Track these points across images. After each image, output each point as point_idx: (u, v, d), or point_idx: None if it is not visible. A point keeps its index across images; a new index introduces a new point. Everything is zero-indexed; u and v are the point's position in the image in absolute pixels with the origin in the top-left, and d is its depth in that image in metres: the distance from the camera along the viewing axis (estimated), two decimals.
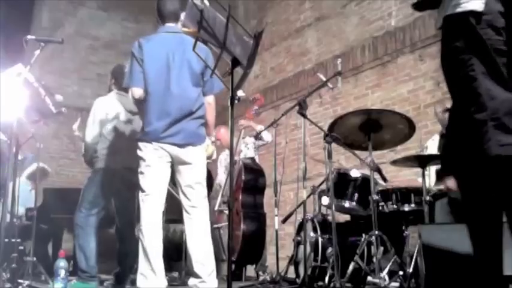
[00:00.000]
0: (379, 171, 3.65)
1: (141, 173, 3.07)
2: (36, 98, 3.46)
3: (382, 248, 3.50)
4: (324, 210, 4.19)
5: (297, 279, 3.95)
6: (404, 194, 3.71)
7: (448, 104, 1.89)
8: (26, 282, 3.45)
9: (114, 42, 8.72)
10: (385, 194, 3.73)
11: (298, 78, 7.03)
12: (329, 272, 3.59)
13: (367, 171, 3.74)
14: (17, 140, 3.59)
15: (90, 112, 3.92)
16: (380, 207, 3.65)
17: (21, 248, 4.30)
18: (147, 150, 3.05)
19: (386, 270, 3.33)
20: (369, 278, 3.48)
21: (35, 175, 4.53)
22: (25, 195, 5.07)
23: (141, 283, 2.93)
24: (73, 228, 3.89)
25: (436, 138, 4.13)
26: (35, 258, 3.87)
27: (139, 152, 3.08)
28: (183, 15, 3.11)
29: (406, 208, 3.67)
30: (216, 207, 4.90)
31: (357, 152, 3.77)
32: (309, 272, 3.69)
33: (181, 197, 3.14)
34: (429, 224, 3.34)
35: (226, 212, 4.76)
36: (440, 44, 1.86)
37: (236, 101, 2.41)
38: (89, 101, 4.54)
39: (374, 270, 3.39)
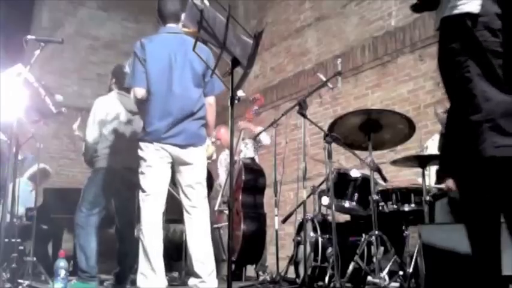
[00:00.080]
0: (379, 171, 3.65)
1: (142, 173, 3.07)
2: (36, 98, 3.46)
3: (382, 248, 3.51)
4: (324, 210, 4.19)
5: (297, 279, 3.95)
6: (404, 194, 3.71)
7: (448, 104, 1.89)
8: (26, 282, 3.45)
9: (114, 42, 8.73)
10: (385, 194, 3.73)
11: (298, 78, 7.03)
12: (329, 272, 3.59)
13: (367, 171, 3.74)
14: (17, 140, 3.60)
15: (90, 112, 3.92)
16: (380, 207, 3.65)
17: (21, 248, 4.30)
18: (148, 151, 3.05)
19: (386, 270, 3.33)
20: (369, 278, 3.48)
21: (36, 176, 4.53)
22: (25, 195, 5.07)
23: (141, 283, 2.93)
24: (73, 228, 3.89)
25: (436, 138, 4.13)
26: (35, 258, 3.86)
27: (140, 152, 3.08)
28: (183, 16, 3.11)
29: (406, 208, 3.67)
30: (216, 207, 4.90)
31: (357, 152, 3.77)
32: (309, 272, 3.69)
33: (182, 197, 3.14)
34: (429, 224, 3.34)
35: (226, 212, 4.76)
36: (438, 46, 1.86)
37: (236, 101, 2.41)
38: (89, 101, 4.54)
39: (374, 270, 3.39)
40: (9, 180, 3.72)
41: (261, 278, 4.56)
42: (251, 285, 4.01)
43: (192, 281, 3.04)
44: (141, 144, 3.08)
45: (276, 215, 4.36)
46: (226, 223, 4.70)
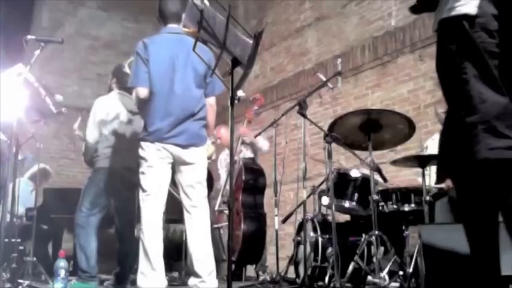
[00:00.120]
0: (379, 171, 3.65)
1: (143, 173, 3.07)
2: (36, 98, 3.46)
3: (382, 248, 3.51)
4: (324, 210, 4.19)
5: (297, 279, 3.95)
6: (404, 194, 3.71)
7: None
8: (26, 282, 3.45)
9: (114, 42, 8.73)
10: (385, 194, 3.73)
11: (298, 78, 7.03)
12: (329, 272, 3.59)
13: (367, 171, 3.74)
14: (17, 140, 3.59)
15: (90, 112, 3.92)
16: (380, 207, 3.65)
17: (21, 248, 4.30)
18: (149, 151, 3.06)
19: (386, 270, 3.34)
20: (369, 278, 3.48)
21: (36, 176, 4.53)
22: (25, 195, 5.06)
23: (142, 282, 2.93)
24: (73, 228, 3.89)
25: (436, 138, 4.12)
26: (35, 258, 3.87)
27: (141, 152, 3.08)
28: (183, 16, 3.11)
29: (406, 208, 3.67)
30: (216, 207, 4.90)
31: (357, 152, 3.78)
32: (309, 272, 3.69)
33: (182, 197, 3.14)
34: (429, 224, 3.34)
35: (226, 212, 4.76)
36: (436, 47, 1.87)
37: (236, 101, 2.41)
38: (89, 101, 4.54)
39: (374, 270, 3.39)
40: (9, 180, 3.72)
41: (261, 278, 4.56)
42: (251, 285, 4.01)
43: (192, 280, 3.04)
44: (143, 144, 3.08)
45: (276, 215, 4.36)
46: (226, 223, 4.70)
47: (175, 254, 4.88)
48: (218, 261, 3.44)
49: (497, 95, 1.67)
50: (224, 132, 5.33)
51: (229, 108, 2.41)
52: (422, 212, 3.41)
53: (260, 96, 5.17)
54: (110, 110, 3.86)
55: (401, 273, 3.36)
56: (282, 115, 4.36)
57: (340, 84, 4.44)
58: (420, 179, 3.55)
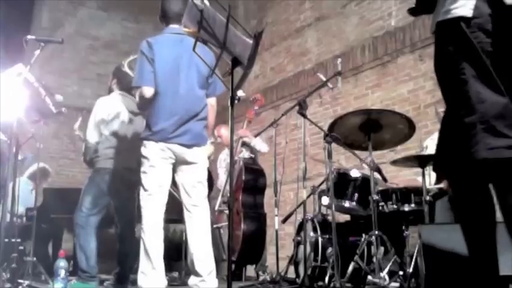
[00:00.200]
0: (379, 171, 3.65)
1: (144, 172, 3.07)
2: (36, 98, 3.46)
3: (382, 248, 3.51)
4: (324, 210, 4.19)
5: (297, 279, 3.95)
6: (404, 194, 3.71)
7: None
8: (26, 282, 3.45)
9: (114, 42, 8.73)
10: (385, 194, 3.73)
11: (298, 78, 7.03)
12: (329, 272, 3.59)
13: (367, 171, 3.74)
14: (17, 140, 3.59)
15: (91, 112, 3.91)
16: (380, 207, 3.65)
17: (21, 248, 4.30)
18: (152, 150, 3.05)
19: (386, 270, 3.34)
20: (369, 278, 3.48)
21: (36, 175, 4.53)
22: (25, 195, 5.06)
23: (142, 282, 2.94)
24: (73, 228, 3.88)
25: (435, 137, 4.09)
26: (35, 258, 3.86)
27: (143, 151, 3.08)
28: (183, 16, 3.11)
29: (406, 208, 3.66)
30: (216, 207, 4.90)
31: (357, 152, 3.78)
32: (309, 272, 3.69)
33: (183, 196, 3.15)
34: (429, 224, 3.34)
35: (226, 212, 4.76)
36: (434, 49, 1.87)
37: (236, 101, 2.41)
38: (89, 101, 4.55)
39: (374, 270, 3.39)
40: (9, 180, 3.72)
41: (261, 278, 4.56)
42: (251, 285, 4.01)
43: (192, 280, 3.04)
44: (146, 143, 3.08)
45: (276, 215, 4.36)
46: (226, 223, 4.71)
47: (175, 254, 4.88)
48: (218, 261, 3.44)
49: (496, 95, 1.67)
50: (224, 131, 5.34)
51: (229, 108, 2.41)
52: (422, 212, 3.41)
53: (260, 97, 5.18)
54: (111, 110, 3.86)
55: (401, 273, 3.36)
56: (282, 115, 4.36)
57: (340, 84, 4.44)
58: (420, 179, 3.55)
